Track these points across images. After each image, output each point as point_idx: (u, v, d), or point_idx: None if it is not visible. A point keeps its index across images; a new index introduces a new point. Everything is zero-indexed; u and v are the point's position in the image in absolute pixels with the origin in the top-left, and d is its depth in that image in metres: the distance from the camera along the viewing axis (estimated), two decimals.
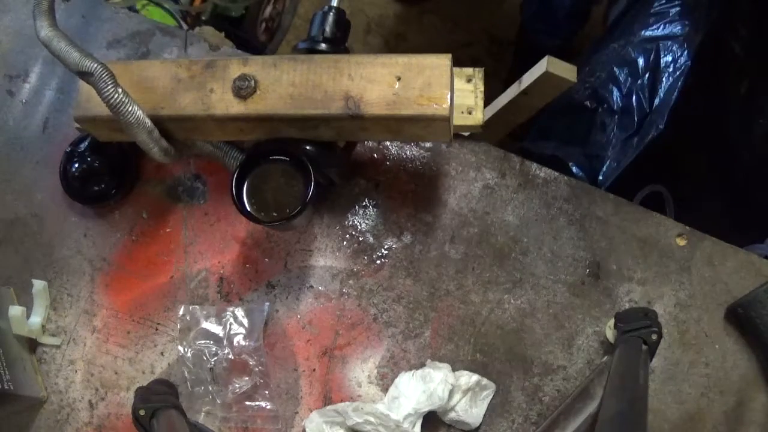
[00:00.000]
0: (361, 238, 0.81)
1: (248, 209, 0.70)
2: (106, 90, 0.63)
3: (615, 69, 1.10)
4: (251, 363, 0.76)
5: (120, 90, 0.64)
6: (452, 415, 0.72)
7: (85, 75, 0.63)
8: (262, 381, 0.76)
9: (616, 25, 1.20)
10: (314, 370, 0.78)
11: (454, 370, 0.74)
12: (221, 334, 0.77)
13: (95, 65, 0.63)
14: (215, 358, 0.76)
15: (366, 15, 1.78)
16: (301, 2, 1.70)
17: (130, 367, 0.79)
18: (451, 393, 0.71)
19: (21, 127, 0.87)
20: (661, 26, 1.07)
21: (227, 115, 0.68)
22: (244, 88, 0.67)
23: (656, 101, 1.03)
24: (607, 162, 1.05)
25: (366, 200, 0.82)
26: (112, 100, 0.63)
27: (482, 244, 0.80)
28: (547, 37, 1.32)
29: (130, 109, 0.64)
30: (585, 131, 1.12)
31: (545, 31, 1.33)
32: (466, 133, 0.82)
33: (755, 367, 0.75)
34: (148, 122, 0.67)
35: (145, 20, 0.90)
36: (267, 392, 0.76)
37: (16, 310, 0.76)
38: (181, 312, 0.78)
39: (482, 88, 0.71)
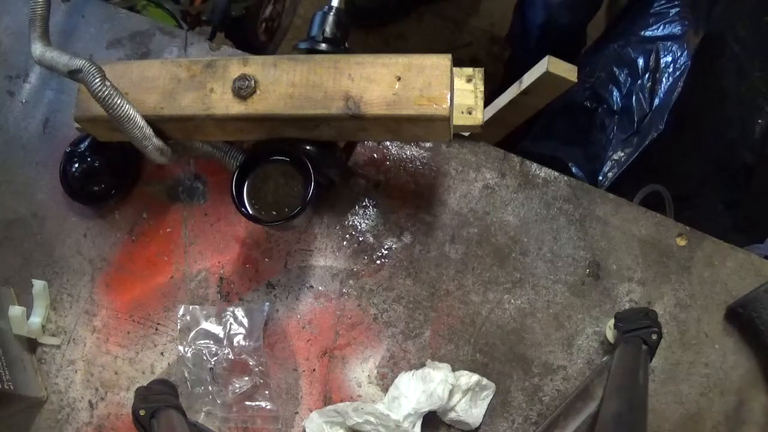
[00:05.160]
0: (361, 238, 0.81)
1: (248, 209, 0.70)
2: (93, 83, 0.64)
3: (615, 69, 1.10)
4: (251, 363, 0.76)
5: (108, 83, 0.64)
6: (452, 415, 0.72)
7: (75, 73, 0.65)
8: (262, 381, 0.76)
9: (616, 25, 1.20)
10: (314, 370, 0.78)
11: (454, 370, 0.74)
12: (221, 334, 0.77)
13: (82, 62, 0.65)
14: (215, 358, 0.76)
15: None
16: (301, 2, 1.70)
17: (130, 367, 0.79)
18: (451, 393, 0.71)
19: (21, 127, 0.87)
20: (661, 26, 1.07)
21: (227, 115, 0.68)
22: (244, 88, 0.67)
23: (656, 101, 1.03)
24: (607, 162, 1.05)
25: (366, 200, 0.82)
26: (100, 94, 0.64)
27: (482, 244, 0.80)
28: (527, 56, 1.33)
29: (118, 102, 0.65)
30: (585, 131, 1.12)
31: (524, 51, 1.35)
32: (466, 133, 0.82)
33: (755, 367, 0.75)
34: (139, 118, 0.67)
35: (145, 20, 0.90)
36: (267, 392, 0.76)
37: (16, 310, 0.76)
38: (181, 312, 0.78)
39: (482, 88, 0.71)
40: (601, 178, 1.04)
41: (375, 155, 0.83)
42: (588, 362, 0.76)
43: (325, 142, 0.71)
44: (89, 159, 0.81)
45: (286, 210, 0.69)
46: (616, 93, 1.09)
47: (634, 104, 1.05)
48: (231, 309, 0.78)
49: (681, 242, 0.79)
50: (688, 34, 1.03)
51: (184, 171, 0.84)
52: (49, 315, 0.81)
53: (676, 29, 1.05)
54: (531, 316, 0.78)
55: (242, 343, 0.76)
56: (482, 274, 0.79)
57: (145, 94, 0.69)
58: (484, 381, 0.74)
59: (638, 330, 0.69)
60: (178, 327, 0.78)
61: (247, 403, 0.76)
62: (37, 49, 0.70)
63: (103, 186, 0.81)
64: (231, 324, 0.77)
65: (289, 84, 0.67)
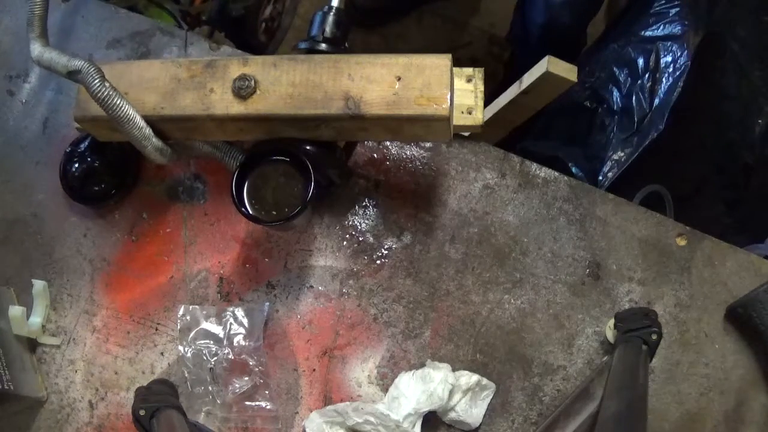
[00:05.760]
0: (361, 238, 0.81)
1: (248, 209, 0.70)
2: (93, 84, 0.64)
3: (615, 69, 1.10)
4: (251, 363, 0.76)
5: (107, 84, 0.64)
6: (452, 415, 0.72)
7: (74, 74, 0.65)
8: (262, 381, 0.76)
9: (616, 25, 1.20)
10: (314, 370, 0.78)
11: (454, 370, 0.74)
12: (221, 334, 0.77)
13: (81, 63, 0.64)
14: (215, 358, 0.76)
15: None
16: (301, 2, 1.71)
17: (130, 367, 0.79)
18: (451, 393, 0.71)
19: (21, 127, 0.87)
20: (661, 26, 1.07)
21: (227, 115, 0.68)
22: (244, 88, 0.67)
23: (656, 101, 1.03)
24: (607, 162, 1.05)
25: (366, 200, 0.82)
26: (99, 94, 0.64)
27: (482, 244, 0.80)
28: (527, 56, 1.34)
29: (117, 102, 0.65)
30: (585, 131, 1.12)
31: (524, 51, 1.36)
32: (466, 133, 0.82)
33: (755, 367, 0.75)
34: (139, 119, 0.67)
35: (145, 20, 0.90)
36: (267, 392, 0.76)
37: (16, 310, 0.76)
38: (181, 312, 0.78)
39: (482, 88, 0.71)
40: (601, 178, 1.04)
41: (375, 155, 0.83)
42: (588, 362, 0.76)
43: (325, 142, 0.71)
44: (89, 159, 0.81)
45: (286, 210, 0.69)
46: (616, 93, 1.09)
47: (634, 104, 1.06)
48: (231, 309, 0.78)
49: (681, 242, 0.79)
50: (688, 34, 1.03)
51: (184, 171, 0.84)
52: (49, 315, 0.81)
53: (676, 29, 1.05)
54: (531, 316, 0.78)
55: (242, 343, 0.76)
56: (482, 274, 0.79)
57: (144, 95, 0.69)
58: (484, 381, 0.74)
59: (638, 330, 0.69)
60: (178, 327, 0.78)
61: (247, 403, 0.76)
62: (36, 49, 0.70)
63: (103, 186, 0.81)
64: (231, 324, 0.77)
65: (289, 84, 0.67)
